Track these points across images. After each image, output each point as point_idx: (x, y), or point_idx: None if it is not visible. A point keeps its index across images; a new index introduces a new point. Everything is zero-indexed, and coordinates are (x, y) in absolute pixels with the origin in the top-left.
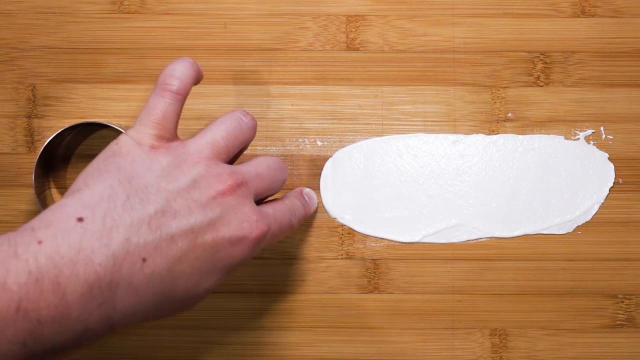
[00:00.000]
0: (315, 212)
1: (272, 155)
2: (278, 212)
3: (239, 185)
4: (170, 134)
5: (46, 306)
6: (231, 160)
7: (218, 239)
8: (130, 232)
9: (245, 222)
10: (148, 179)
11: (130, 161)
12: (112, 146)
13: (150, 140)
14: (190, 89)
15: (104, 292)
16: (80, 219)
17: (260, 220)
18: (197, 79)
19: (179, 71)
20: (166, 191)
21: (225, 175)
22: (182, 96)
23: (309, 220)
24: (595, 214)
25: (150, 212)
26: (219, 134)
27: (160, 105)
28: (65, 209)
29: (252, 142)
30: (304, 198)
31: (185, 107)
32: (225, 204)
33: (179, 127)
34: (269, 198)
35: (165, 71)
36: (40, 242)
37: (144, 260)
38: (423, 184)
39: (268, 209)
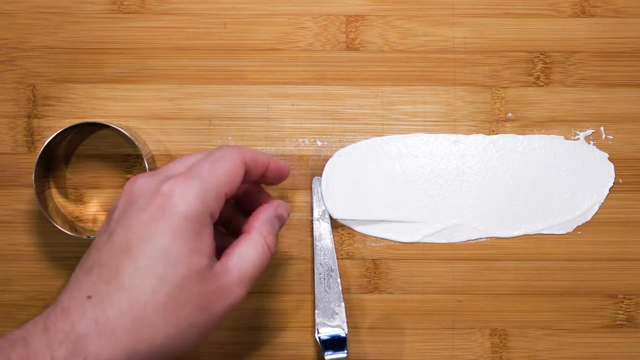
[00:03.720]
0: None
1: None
2: None
3: None
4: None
5: None
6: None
7: None
8: None
9: None
10: None
11: None
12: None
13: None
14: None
15: None
16: None
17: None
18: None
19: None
20: None
21: None
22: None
23: (309, 220)
24: (595, 214)
25: None
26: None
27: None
28: None
29: (253, 142)
30: (273, 225)
31: (184, 107)
32: None
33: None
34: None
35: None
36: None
37: None
38: (423, 184)
39: None
